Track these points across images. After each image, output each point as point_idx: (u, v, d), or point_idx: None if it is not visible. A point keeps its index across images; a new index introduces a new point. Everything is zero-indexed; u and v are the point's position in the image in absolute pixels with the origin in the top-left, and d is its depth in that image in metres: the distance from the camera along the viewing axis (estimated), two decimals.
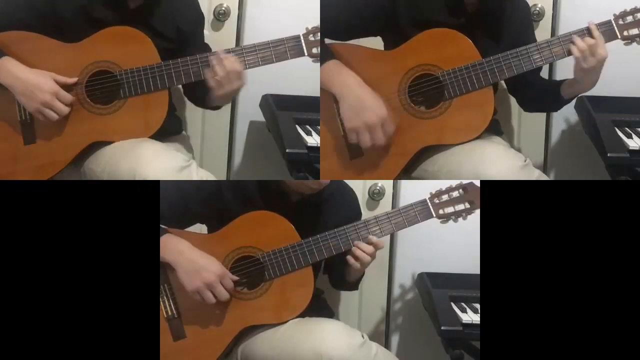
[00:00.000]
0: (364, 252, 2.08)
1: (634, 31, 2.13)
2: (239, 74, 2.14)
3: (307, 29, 2.17)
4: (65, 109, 2.12)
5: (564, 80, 2.22)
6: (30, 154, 2.14)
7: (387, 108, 2.14)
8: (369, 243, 2.09)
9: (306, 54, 2.17)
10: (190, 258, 2.06)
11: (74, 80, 2.13)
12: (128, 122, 2.14)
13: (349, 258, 2.09)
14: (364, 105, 2.13)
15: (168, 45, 2.18)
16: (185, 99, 2.45)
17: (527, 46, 2.14)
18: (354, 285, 2.29)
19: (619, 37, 2.13)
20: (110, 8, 2.15)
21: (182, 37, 2.23)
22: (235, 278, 2.08)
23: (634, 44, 2.14)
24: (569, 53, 2.12)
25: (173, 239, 2.08)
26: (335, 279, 2.29)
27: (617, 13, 2.13)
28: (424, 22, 2.18)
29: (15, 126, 2.13)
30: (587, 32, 2.12)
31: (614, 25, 2.12)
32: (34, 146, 2.14)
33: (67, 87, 2.13)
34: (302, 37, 2.17)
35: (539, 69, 2.21)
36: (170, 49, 2.18)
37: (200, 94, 2.27)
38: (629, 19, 2.13)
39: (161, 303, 2.09)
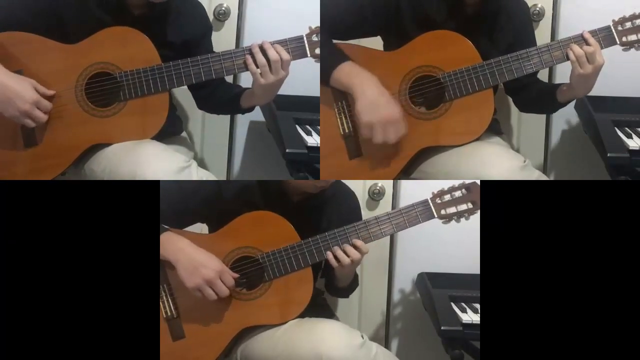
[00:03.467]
0: (345, 253, 2.08)
1: (633, 37, 2.13)
2: (287, 63, 2.13)
3: (310, 28, 2.16)
4: (44, 117, 2.09)
5: (560, 84, 2.22)
6: (30, 156, 2.13)
7: (401, 111, 2.14)
8: (353, 246, 2.08)
9: (309, 55, 2.16)
10: (190, 255, 2.06)
11: (52, 92, 2.11)
12: (128, 125, 2.13)
13: (328, 254, 2.09)
14: (381, 103, 2.13)
15: (170, 54, 2.16)
16: (180, 100, 2.45)
17: (527, 49, 2.14)
18: (344, 292, 2.28)
19: (618, 42, 2.13)
20: (113, 14, 2.14)
21: (187, 48, 2.21)
22: (235, 275, 2.08)
23: (632, 49, 2.14)
24: (569, 57, 2.13)
25: (173, 237, 2.08)
26: (328, 284, 2.29)
27: (616, 19, 2.12)
28: (425, 21, 2.18)
29: (16, 129, 2.11)
30: (584, 40, 2.13)
31: (613, 31, 2.12)
32: (35, 149, 2.13)
33: (63, 89, 2.12)
34: (305, 38, 2.16)
35: (536, 72, 2.21)
36: (173, 58, 2.15)
37: (227, 98, 2.27)
38: (628, 25, 2.13)
39: (160, 303, 2.09)
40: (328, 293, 2.34)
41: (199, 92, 2.31)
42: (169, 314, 2.10)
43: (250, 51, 2.13)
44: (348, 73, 2.14)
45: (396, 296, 2.58)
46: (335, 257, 2.08)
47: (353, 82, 2.14)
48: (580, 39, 2.12)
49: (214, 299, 2.05)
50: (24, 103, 2.06)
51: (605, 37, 2.12)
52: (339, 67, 2.14)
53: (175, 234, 2.09)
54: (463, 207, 2.14)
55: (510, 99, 2.42)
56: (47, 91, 2.10)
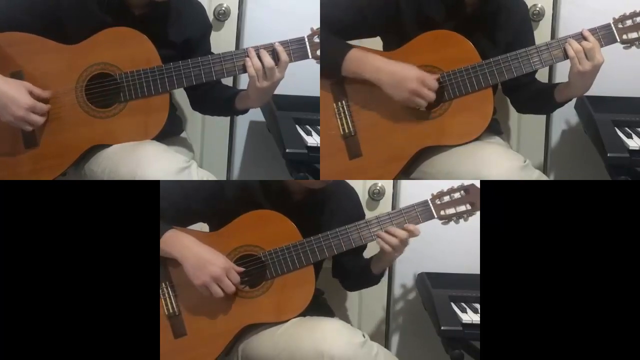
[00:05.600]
0: (394, 236, 2.08)
1: (633, 35, 2.13)
2: (284, 66, 2.13)
3: (312, 29, 2.16)
4: (41, 120, 2.09)
5: (558, 83, 2.22)
6: (31, 157, 2.13)
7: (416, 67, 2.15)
8: (405, 229, 2.09)
9: (310, 56, 2.16)
10: (196, 252, 2.07)
11: (48, 94, 2.11)
12: (128, 126, 2.13)
13: (379, 240, 2.09)
14: (402, 76, 2.14)
15: (171, 54, 2.16)
16: (179, 100, 2.45)
17: (526, 49, 2.14)
18: (376, 279, 2.26)
19: (618, 40, 2.13)
20: (114, 15, 2.14)
21: (188, 47, 2.22)
22: (241, 269, 2.08)
23: (633, 47, 2.14)
24: (567, 54, 2.13)
25: (178, 234, 2.08)
26: (354, 275, 2.28)
27: (617, 17, 2.13)
28: (425, 21, 2.18)
29: (16, 130, 2.11)
30: (584, 38, 2.13)
31: (613, 28, 2.12)
32: (35, 150, 2.13)
33: (63, 90, 2.12)
34: (306, 39, 2.16)
35: (535, 71, 2.21)
36: (174, 57, 2.15)
37: (222, 100, 2.27)
38: (628, 22, 2.13)
39: (162, 300, 2.09)
40: (350, 290, 2.39)
41: (194, 92, 2.31)
42: (171, 311, 2.10)
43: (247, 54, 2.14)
44: (356, 62, 2.15)
45: (396, 296, 2.58)
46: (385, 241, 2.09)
47: (366, 72, 2.14)
48: (581, 38, 2.12)
49: (219, 296, 2.06)
50: (18, 109, 2.05)
51: (605, 34, 2.12)
52: (347, 56, 2.14)
53: (180, 232, 2.09)
54: (462, 208, 2.15)
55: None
56: (43, 93, 2.10)
